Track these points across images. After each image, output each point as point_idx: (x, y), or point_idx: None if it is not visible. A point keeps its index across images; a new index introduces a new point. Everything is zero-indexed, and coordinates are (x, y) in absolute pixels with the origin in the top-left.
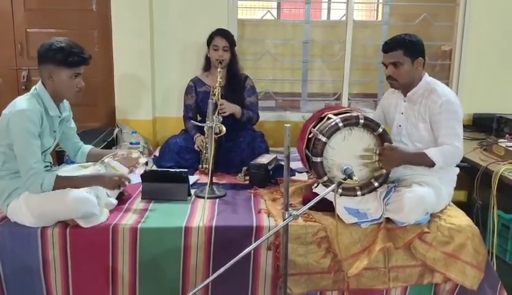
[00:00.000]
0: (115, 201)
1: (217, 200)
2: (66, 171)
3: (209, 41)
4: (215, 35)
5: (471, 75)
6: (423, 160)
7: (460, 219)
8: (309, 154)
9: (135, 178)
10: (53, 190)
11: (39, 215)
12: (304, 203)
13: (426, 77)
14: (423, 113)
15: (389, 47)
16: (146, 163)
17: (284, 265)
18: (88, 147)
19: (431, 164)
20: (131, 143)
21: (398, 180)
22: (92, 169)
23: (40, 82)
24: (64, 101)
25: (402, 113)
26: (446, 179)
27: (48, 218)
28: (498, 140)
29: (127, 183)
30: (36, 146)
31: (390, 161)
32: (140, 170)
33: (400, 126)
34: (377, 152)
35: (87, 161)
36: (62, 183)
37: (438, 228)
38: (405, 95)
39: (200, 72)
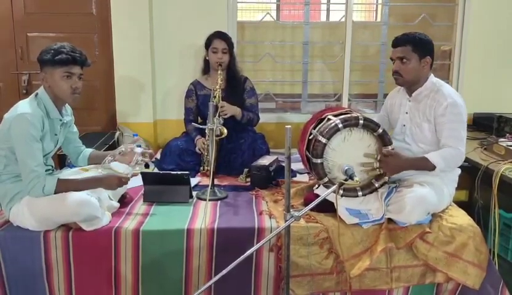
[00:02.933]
0: (117, 204)
1: (219, 201)
2: (67, 174)
3: (207, 44)
4: (214, 38)
5: (471, 74)
6: (424, 165)
7: (461, 218)
8: (310, 155)
9: (136, 181)
10: (55, 193)
11: (41, 219)
12: (305, 204)
13: (432, 78)
14: (428, 114)
15: (399, 41)
16: (146, 158)
17: (286, 266)
18: (89, 150)
19: (432, 168)
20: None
21: (399, 180)
22: (93, 172)
23: (42, 86)
24: (67, 105)
25: (407, 113)
26: (447, 179)
27: (50, 221)
28: (498, 139)
29: (128, 181)
30: (37, 150)
31: (391, 168)
32: (141, 165)
33: (404, 125)
34: (378, 158)
35: (88, 164)
36: (64, 186)
37: (439, 228)
38: (410, 95)
39: (200, 74)
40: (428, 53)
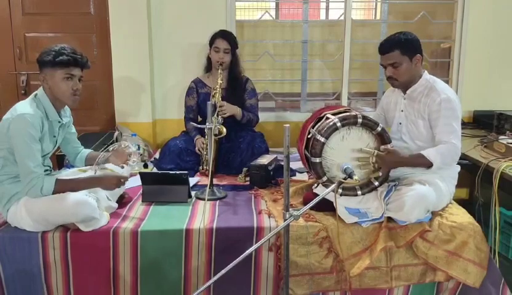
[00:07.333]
0: (115, 205)
1: (218, 201)
2: (65, 175)
3: (211, 42)
4: (217, 37)
5: (471, 72)
6: (420, 162)
7: (462, 216)
8: (309, 154)
9: (135, 181)
10: (53, 193)
11: (39, 219)
12: (305, 203)
13: (426, 75)
14: (423, 111)
15: (385, 48)
16: (142, 158)
17: (285, 266)
18: (86, 151)
19: (429, 165)
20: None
21: (399, 179)
22: (90, 173)
23: (41, 87)
24: (66, 107)
25: (402, 110)
26: (447, 177)
27: (48, 222)
28: (498, 137)
29: (126, 183)
30: (37, 151)
31: (387, 164)
32: (134, 165)
33: (400, 124)
34: (375, 153)
35: (85, 165)
36: (62, 186)
37: (439, 226)
38: (404, 92)
39: (199, 73)
40: (416, 51)
